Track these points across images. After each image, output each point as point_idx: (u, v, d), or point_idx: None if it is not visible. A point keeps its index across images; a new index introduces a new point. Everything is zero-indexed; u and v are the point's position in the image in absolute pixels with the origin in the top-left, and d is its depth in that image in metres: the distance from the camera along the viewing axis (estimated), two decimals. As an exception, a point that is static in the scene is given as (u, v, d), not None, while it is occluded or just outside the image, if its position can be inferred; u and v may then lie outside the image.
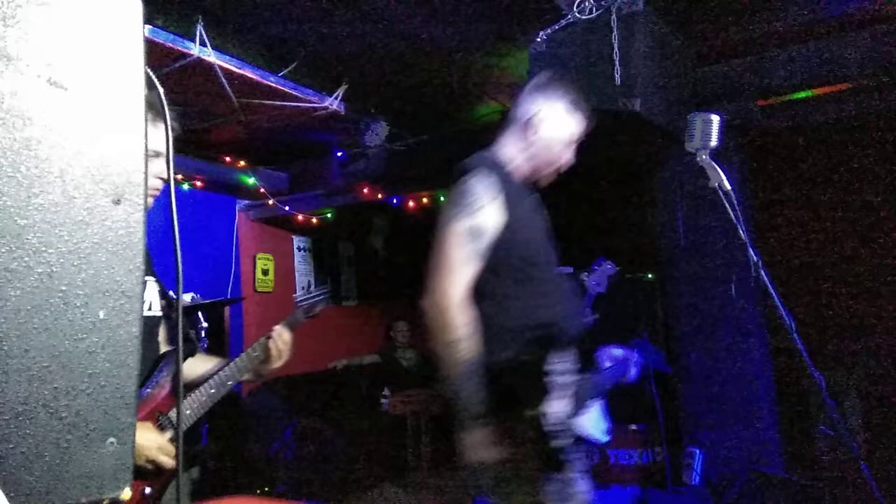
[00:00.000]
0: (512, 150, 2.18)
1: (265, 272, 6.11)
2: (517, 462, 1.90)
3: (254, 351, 2.14)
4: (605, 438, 2.18)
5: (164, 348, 2.01)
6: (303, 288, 6.46)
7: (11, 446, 0.77)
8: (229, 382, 2.07)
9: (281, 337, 2.15)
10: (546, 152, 2.16)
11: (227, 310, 5.51)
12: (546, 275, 2.08)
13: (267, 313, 5.82)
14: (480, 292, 1.98)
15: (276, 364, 2.16)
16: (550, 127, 2.14)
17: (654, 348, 2.82)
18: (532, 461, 1.87)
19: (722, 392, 3.98)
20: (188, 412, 2.00)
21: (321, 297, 2.33)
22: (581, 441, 2.00)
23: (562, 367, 1.89)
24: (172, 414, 1.92)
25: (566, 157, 2.19)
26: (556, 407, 1.83)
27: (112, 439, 0.85)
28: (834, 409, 1.83)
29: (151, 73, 0.95)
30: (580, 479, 1.94)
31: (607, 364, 2.44)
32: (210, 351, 2.42)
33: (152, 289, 1.93)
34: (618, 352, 2.48)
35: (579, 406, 1.96)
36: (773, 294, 1.83)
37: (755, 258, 1.88)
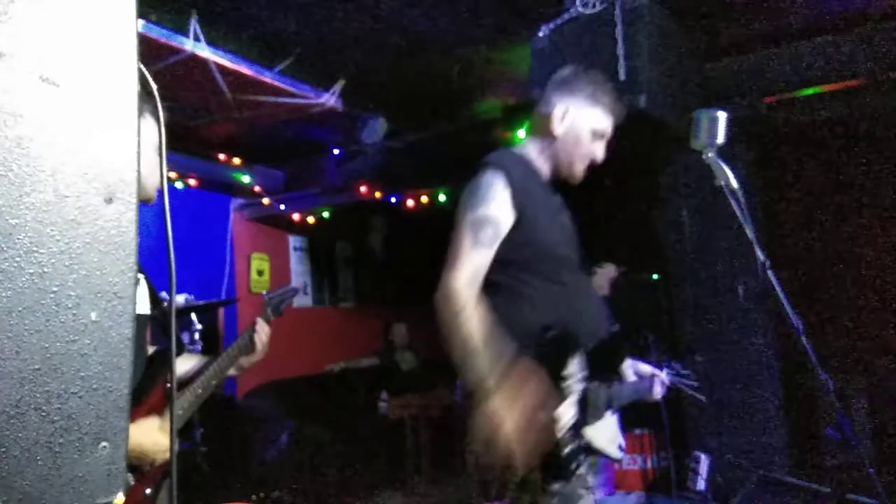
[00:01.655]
0: (535, 148, 2.13)
1: (260, 273, 6.08)
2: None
3: (234, 349, 2.16)
4: (618, 455, 2.04)
5: (150, 349, 2.02)
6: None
7: (3, 450, 0.76)
8: (213, 382, 2.09)
9: (263, 329, 2.19)
10: (567, 149, 2.09)
11: (221, 311, 5.48)
12: (566, 275, 2.02)
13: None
14: (495, 287, 1.92)
15: (259, 357, 2.19)
16: (569, 123, 2.07)
17: (687, 371, 2.72)
18: (538, 468, 1.79)
19: (728, 395, 3.96)
20: (179, 412, 2.00)
21: (289, 295, 2.36)
22: (593, 453, 1.92)
23: (577, 372, 1.84)
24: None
25: (596, 152, 2.12)
26: (569, 413, 1.78)
27: (105, 443, 0.84)
28: (841, 413, 1.82)
29: (145, 70, 0.94)
30: (585, 496, 1.87)
31: (632, 377, 2.35)
32: (204, 353, 2.42)
33: (142, 287, 1.91)
34: (645, 367, 2.40)
35: (593, 415, 1.89)
36: (781, 295, 1.81)
37: (762, 258, 1.85)
